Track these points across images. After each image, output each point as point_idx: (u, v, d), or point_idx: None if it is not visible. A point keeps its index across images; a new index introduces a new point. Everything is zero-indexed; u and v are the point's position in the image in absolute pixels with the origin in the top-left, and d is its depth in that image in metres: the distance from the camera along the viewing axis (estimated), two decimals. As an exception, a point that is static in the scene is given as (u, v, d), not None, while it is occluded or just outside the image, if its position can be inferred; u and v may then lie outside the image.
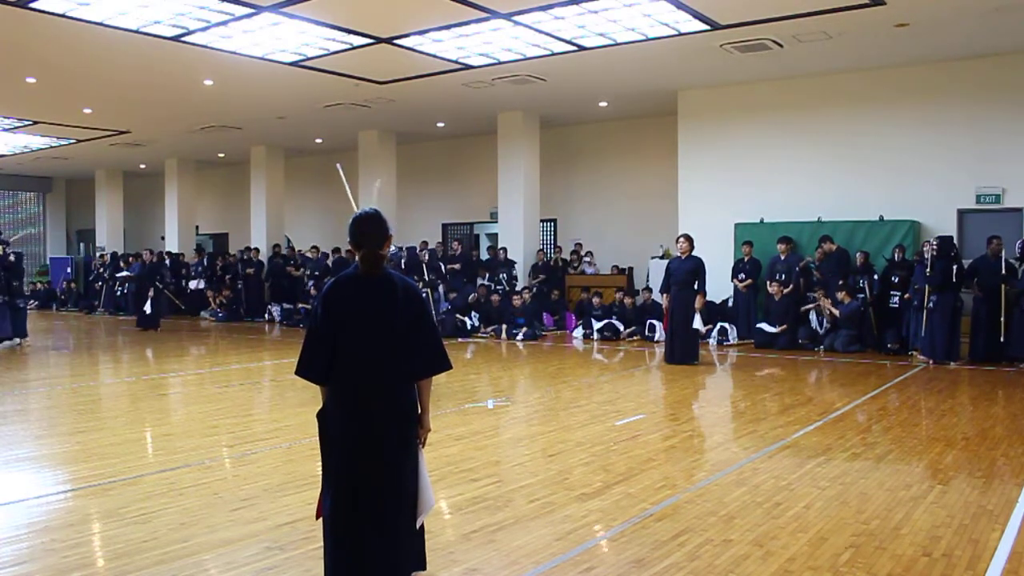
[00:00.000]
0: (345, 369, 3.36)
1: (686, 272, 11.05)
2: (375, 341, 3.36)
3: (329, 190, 22.75)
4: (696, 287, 10.98)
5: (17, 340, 13.91)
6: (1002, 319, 10.78)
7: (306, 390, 9.58)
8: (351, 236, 3.45)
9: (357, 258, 3.45)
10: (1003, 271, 10.96)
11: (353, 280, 3.44)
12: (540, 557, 3.94)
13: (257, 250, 20.53)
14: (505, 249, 16.79)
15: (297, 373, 3.45)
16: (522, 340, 14.30)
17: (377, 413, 3.33)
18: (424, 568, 3.61)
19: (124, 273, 20.98)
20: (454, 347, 13.45)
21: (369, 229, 3.43)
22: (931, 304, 10.98)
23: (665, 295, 11.42)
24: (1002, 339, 10.85)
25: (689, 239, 11.22)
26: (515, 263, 16.64)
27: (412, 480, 3.41)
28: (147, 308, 16.58)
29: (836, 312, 12.40)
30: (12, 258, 14.08)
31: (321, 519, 3.39)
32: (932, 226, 12.66)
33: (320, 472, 3.50)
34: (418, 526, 3.49)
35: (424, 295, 3.57)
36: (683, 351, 11.07)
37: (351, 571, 3.28)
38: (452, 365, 3.55)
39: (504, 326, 14.73)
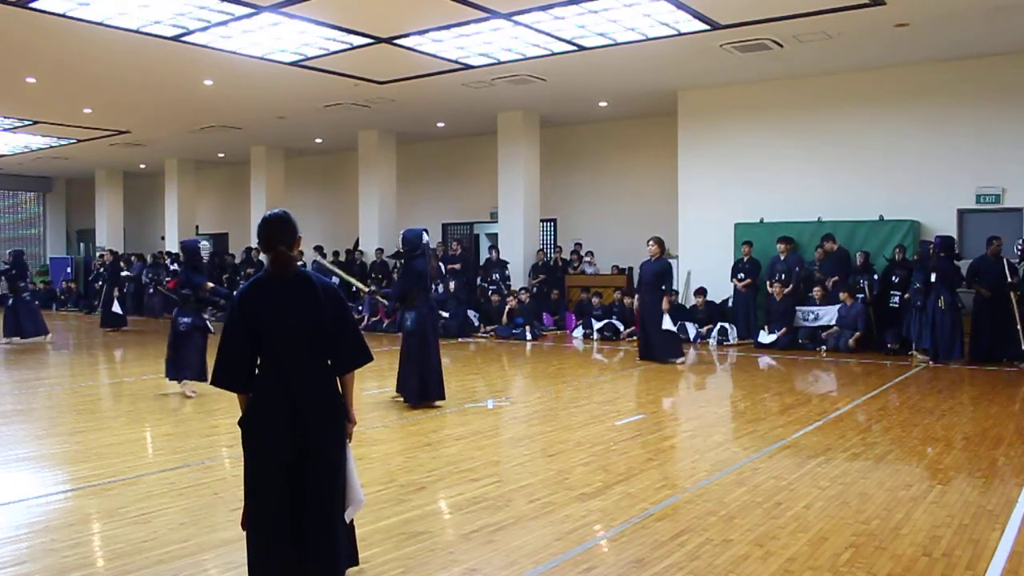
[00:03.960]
0: (270, 371, 3.38)
1: (654, 275, 11.40)
2: (296, 341, 3.36)
3: (329, 190, 22.78)
4: (664, 289, 11.34)
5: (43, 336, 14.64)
6: (1019, 327, 10.65)
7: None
8: (258, 237, 3.44)
9: (268, 259, 3.42)
10: (1006, 272, 10.93)
11: (267, 282, 3.42)
12: (540, 557, 3.94)
13: (257, 250, 20.53)
14: (498, 249, 16.79)
15: (213, 383, 3.43)
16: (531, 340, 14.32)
17: (304, 412, 3.32)
18: (357, 564, 3.65)
19: (123, 273, 20.96)
20: (454, 347, 13.46)
21: (275, 230, 3.40)
22: (943, 305, 10.94)
23: (636, 296, 11.83)
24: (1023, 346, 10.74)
25: (659, 242, 11.50)
26: (507, 263, 16.62)
27: (342, 476, 3.41)
28: (116, 308, 16.78)
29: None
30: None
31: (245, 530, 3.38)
32: (932, 226, 12.66)
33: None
34: (348, 521, 3.50)
35: (342, 292, 3.61)
36: (661, 350, 11.33)
37: (279, 566, 3.27)
38: (373, 357, 3.57)
39: (528, 327, 14.68)
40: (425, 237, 8.22)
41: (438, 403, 8.06)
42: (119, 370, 11.65)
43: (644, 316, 11.48)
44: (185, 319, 8.73)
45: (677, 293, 11.39)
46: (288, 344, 3.37)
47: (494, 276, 16.38)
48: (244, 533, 3.38)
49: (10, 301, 14.62)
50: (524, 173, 16.81)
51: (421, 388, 8.01)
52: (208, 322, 8.95)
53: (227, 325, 3.45)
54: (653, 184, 16.89)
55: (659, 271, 11.34)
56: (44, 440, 6.74)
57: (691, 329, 13.84)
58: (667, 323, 11.29)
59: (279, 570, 3.29)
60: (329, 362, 3.45)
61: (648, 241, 11.54)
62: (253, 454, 3.38)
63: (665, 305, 11.28)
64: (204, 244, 9.21)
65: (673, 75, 13.83)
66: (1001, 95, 12.37)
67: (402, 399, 8.12)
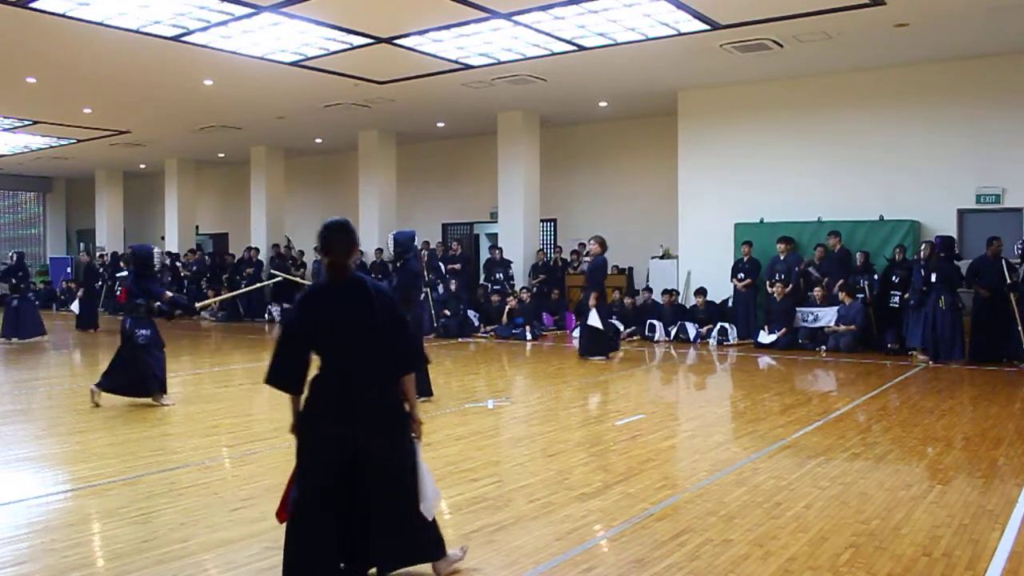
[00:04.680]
0: (329, 375, 3.49)
1: (588, 272, 11.80)
2: (351, 344, 3.48)
3: (329, 190, 22.78)
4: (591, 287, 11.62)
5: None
6: (1019, 327, 10.65)
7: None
8: (318, 242, 3.59)
9: (325, 266, 3.57)
10: (1006, 273, 10.93)
11: (325, 288, 3.57)
12: (540, 557, 3.94)
13: (257, 250, 20.53)
14: (501, 249, 16.79)
15: (267, 382, 3.56)
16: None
17: (360, 413, 3.43)
18: (445, 555, 3.67)
19: (123, 273, 20.96)
20: (454, 347, 13.46)
21: (335, 237, 3.57)
22: (943, 305, 10.94)
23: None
24: None
25: (599, 241, 11.67)
26: (511, 263, 16.63)
27: (411, 473, 3.53)
28: (75, 306, 16.91)
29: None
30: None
31: (286, 522, 3.47)
32: (932, 226, 12.65)
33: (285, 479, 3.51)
34: (428, 515, 3.57)
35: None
36: (585, 347, 11.58)
37: (324, 564, 3.37)
38: (429, 360, 3.74)
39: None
40: (416, 239, 8.28)
41: (424, 400, 8.10)
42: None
43: (577, 313, 11.80)
44: (143, 331, 7.99)
45: (600, 293, 11.69)
46: (344, 347, 3.49)
47: (497, 276, 16.38)
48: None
49: (14, 302, 14.73)
50: (524, 173, 16.81)
51: (420, 387, 8.07)
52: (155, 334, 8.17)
53: (286, 327, 3.63)
54: (653, 184, 16.89)
55: (591, 269, 11.65)
56: (44, 440, 6.74)
57: (691, 329, 13.85)
58: (593, 319, 11.42)
59: (318, 566, 3.37)
60: (386, 366, 3.55)
61: (589, 240, 11.74)
62: (308, 453, 3.48)
63: (592, 302, 11.43)
64: (157, 251, 8.75)
65: (673, 75, 13.83)
66: (1001, 95, 12.37)
67: None
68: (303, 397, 3.53)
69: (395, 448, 3.52)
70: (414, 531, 3.52)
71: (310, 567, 3.38)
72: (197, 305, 8.92)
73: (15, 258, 15.23)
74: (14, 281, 14.70)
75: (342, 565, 3.49)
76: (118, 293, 17.67)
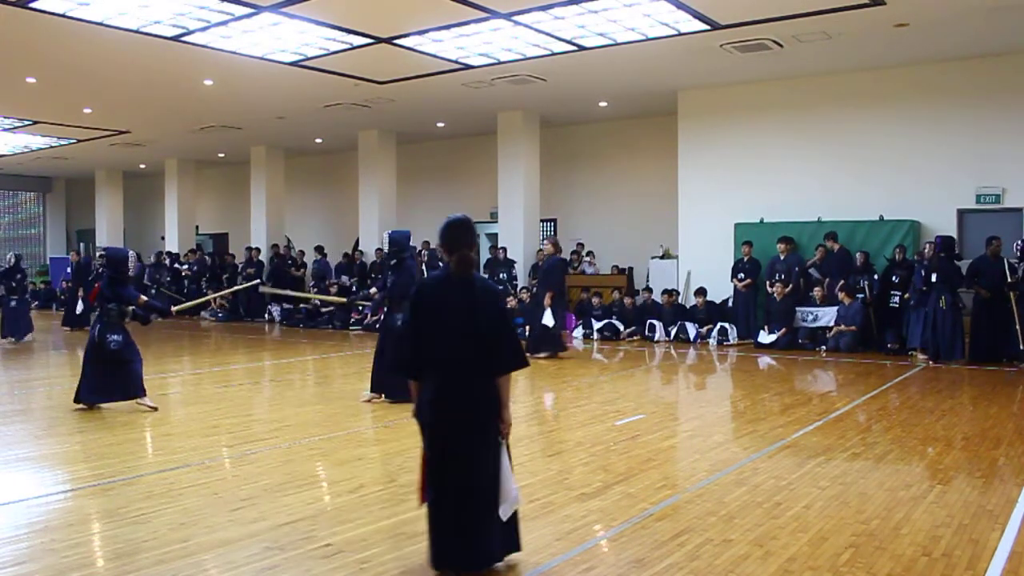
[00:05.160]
0: (433, 365, 3.66)
1: (543, 272, 12.10)
2: (459, 339, 3.63)
3: (329, 190, 22.77)
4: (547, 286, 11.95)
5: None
6: (1017, 327, 10.69)
7: (305, 390, 9.59)
8: (441, 240, 3.76)
9: (451, 260, 3.71)
10: (1006, 272, 10.94)
11: (441, 281, 3.74)
12: (540, 557, 3.94)
13: (258, 250, 20.52)
14: (505, 248, 16.78)
15: (392, 368, 4.03)
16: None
17: (459, 407, 3.61)
18: (518, 549, 3.80)
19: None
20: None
21: (460, 233, 3.75)
22: (944, 305, 10.94)
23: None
24: (1022, 346, 10.72)
25: (552, 242, 12.15)
26: (515, 263, 16.64)
27: (492, 471, 3.63)
28: (79, 308, 16.85)
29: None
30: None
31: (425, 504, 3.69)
32: (932, 226, 12.65)
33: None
34: (504, 516, 3.66)
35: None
36: (534, 345, 11.81)
37: (451, 550, 3.59)
38: (528, 363, 3.77)
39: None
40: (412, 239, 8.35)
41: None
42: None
43: (531, 311, 12.23)
44: (115, 337, 7.73)
45: (555, 292, 11.97)
46: (447, 343, 3.64)
47: (500, 276, 16.39)
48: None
49: (12, 302, 14.87)
50: (524, 173, 16.81)
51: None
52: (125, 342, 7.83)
53: (407, 317, 3.84)
54: (653, 184, 16.88)
55: (547, 268, 11.96)
56: (44, 440, 6.74)
57: (691, 329, 13.85)
58: (547, 318, 11.67)
59: (446, 534, 3.61)
60: (487, 363, 3.66)
61: (543, 241, 11.97)
62: (427, 441, 3.70)
63: (547, 301, 11.68)
64: (132, 255, 8.44)
65: (673, 75, 13.83)
66: (1001, 95, 12.36)
67: (382, 397, 8.10)
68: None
69: (477, 446, 3.62)
70: (487, 534, 3.61)
71: (436, 542, 3.62)
72: (173, 309, 8.68)
73: (13, 260, 15.37)
74: (13, 284, 14.92)
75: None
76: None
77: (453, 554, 3.60)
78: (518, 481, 5.29)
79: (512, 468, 3.77)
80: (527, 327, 14.60)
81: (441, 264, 15.25)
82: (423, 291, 3.77)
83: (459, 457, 3.60)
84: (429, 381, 3.64)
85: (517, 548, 3.78)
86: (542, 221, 17.87)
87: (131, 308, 7.89)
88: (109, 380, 7.71)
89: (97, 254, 24.18)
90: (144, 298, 8.33)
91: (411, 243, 8.37)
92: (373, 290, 8.89)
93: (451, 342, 3.62)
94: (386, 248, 8.44)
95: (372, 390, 8.20)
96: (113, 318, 7.79)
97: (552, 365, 11.33)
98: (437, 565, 3.63)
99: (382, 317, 8.33)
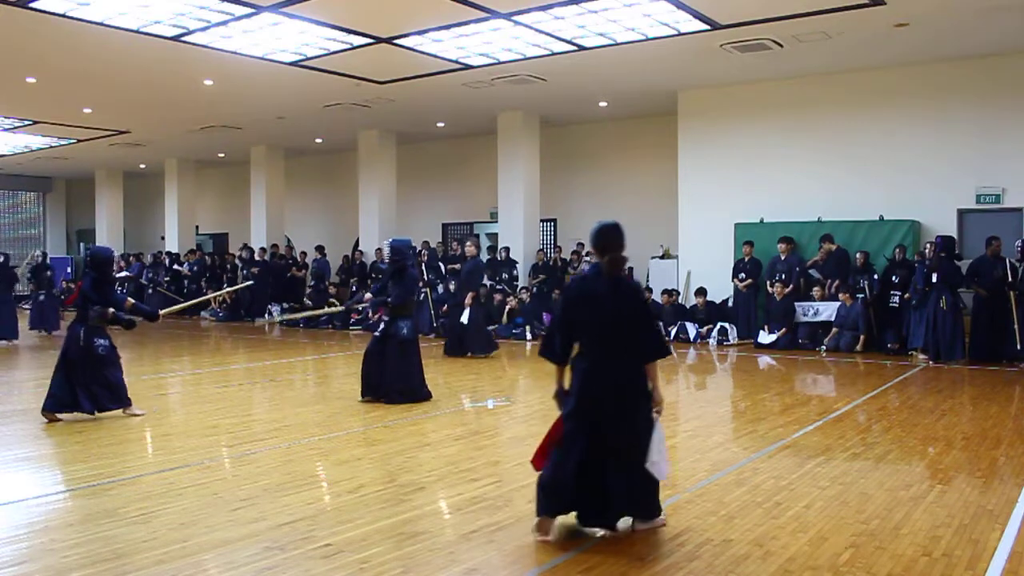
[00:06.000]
0: (584, 355, 4.19)
1: (466, 273, 12.41)
2: (609, 328, 4.15)
3: (329, 190, 22.77)
4: (472, 286, 12.33)
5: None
6: (1015, 327, 10.70)
7: (305, 390, 9.59)
8: (594, 242, 4.24)
9: (604, 260, 4.18)
10: (1007, 272, 10.94)
11: (593, 279, 4.22)
12: (540, 557, 3.94)
13: (264, 249, 20.47)
14: (508, 248, 16.77)
15: (540, 355, 4.41)
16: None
17: (613, 389, 4.11)
18: (659, 515, 4.29)
19: (123, 273, 20.97)
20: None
21: (612, 237, 4.21)
22: (944, 305, 10.95)
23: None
24: (1019, 347, 10.74)
25: (475, 243, 12.56)
26: (516, 263, 16.63)
27: (646, 442, 4.12)
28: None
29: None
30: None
31: (540, 471, 4.27)
32: (932, 226, 12.65)
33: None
34: (661, 478, 4.20)
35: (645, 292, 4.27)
36: (472, 344, 12.14)
37: (563, 500, 4.13)
38: (671, 352, 4.23)
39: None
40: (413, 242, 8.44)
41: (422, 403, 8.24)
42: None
43: (453, 311, 12.53)
44: (102, 341, 7.42)
45: (476, 292, 12.39)
46: (598, 333, 4.16)
47: (502, 275, 16.39)
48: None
49: (41, 297, 15.59)
50: (524, 173, 16.80)
51: (420, 387, 8.31)
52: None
53: (558, 310, 4.36)
54: (653, 184, 16.88)
55: (469, 270, 12.30)
56: (44, 440, 6.74)
57: (691, 329, 13.85)
58: (464, 317, 12.01)
59: (567, 500, 4.13)
60: (636, 351, 4.17)
61: (465, 242, 12.40)
62: (569, 417, 4.18)
63: (467, 300, 12.03)
64: (118, 254, 8.11)
65: (673, 75, 13.83)
66: (1001, 95, 12.36)
67: (384, 401, 8.12)
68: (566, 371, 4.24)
69: (634, 422, 4.12)
70: (642, 490, 4.17)
71: (552, 496, 4.13)
72: (161, 312, 8.51)
73: (41, 257, 15.95)
74: (43, 280, 15.66)
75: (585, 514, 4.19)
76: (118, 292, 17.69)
77: (583, 509, 4.15)
78: (518, 481, 5.30)
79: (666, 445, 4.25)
80: (527, 326, 14.66)
81: (441, 264, 15.23)
82: (577, 287, 4.30)
83: (608, 427, 4.09)
84: (581, 364, 4.17)
85: (659, 513, 4.29)
86: (542, 221, 17.88)
87: (112, 312, 7.45)
88: (95, 387, 7.37)
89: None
90: (131, 300, 8.00)
91: (411, 248, 8.46)
92: (368, 295, 8.89)
93: (602, 331, 4.14)
94: (387, 256, 8.51)
95: (367, 394, 8.23)
96: (96, 321, 7.42)
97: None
98: (542, 512, 4.15)
99: (383, 325, 8.32)
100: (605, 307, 4.13)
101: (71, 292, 18.83)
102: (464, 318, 12.05)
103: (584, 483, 4.09)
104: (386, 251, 8.44)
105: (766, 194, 14.04)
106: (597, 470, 4.10)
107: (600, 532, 4.20)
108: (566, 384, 4.32)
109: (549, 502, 4.15)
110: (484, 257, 17.91)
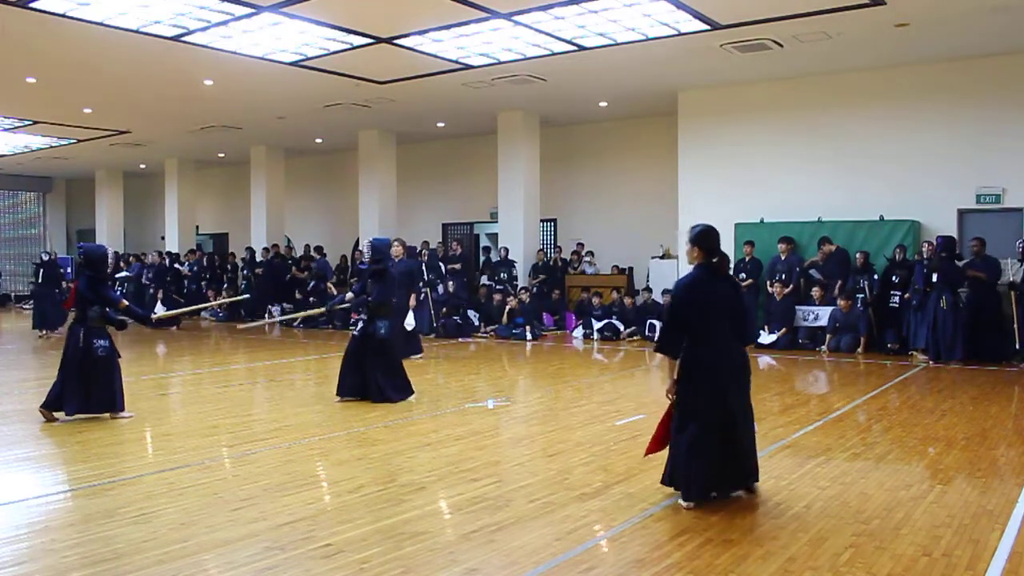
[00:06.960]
0: (705, 343, 4.75)
1: (401, 275, 11.77)
2: (726, 320, 4.81)
3: (329, 190, 22.77)
4: (413, 286, 12.09)
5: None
6: (1015, 326, 10.72)
7: (305, 390, 9.59)
8: (699, 242, 4.86)
9: (714, 260, 4.85)
10: (1001, 270, 10.98)
11: (704, 278, 4.84)
12: (540, 557, 3.94)
13: (266, 249, 20.45)
14: (507, 248, 16.77)
15: (658, 350, 4.94)
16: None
17: (735, 369, 4.83)
18: (758, 479, 4.97)
19: (123, 273, 20.96)
20: (454, 347, 13.45)
21: (715, 238, 4.90)
22: (944, 305, 10.96)
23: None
24: (1017, 345, 10.78)
25: (401, 243, 11.95)
26: (515, 263, 16.63)
27: (752, 415, 4.99)
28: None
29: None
30: None
31: (668, 446, 4.93)
32: (932, 226, 12.65)
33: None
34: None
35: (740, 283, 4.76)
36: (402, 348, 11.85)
37: (713, 477, 4.73)
38: (760, 334, 4.98)
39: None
40: (412, 241, 8.42)
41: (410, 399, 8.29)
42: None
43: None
44: (102, 342, 7.34)
45: (418, 294, 12.19)
46: (719, 322, 4.78)
47: (501, 275, 16.38)
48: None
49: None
50: (524, 173, 16.80)
51: (404, 384, 8.36)
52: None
53: (674, 308, 4.87)
54: (653, 184, 16.88)
55: (405, 271, 11.85)
56: (44, 440, 6.74)
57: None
58: (409, 320, 11.55)
59: (710, 475, 4.72)
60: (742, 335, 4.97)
61: (392, 242, 11.89)
62: (697, 400, 4.74)
63: (412, 302, 11.69)
64: (112, 252, 7.97)
65: (673, 75, 13.83)
66: (1001, 95, 12.35)
67: (370, 401, 8.14)
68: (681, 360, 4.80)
69: (745, 395, 4.88)
70: (755, 458, 4.95)
71: (703, 478, 4.69)
72: (153, 317, 8.40)
73: (54, 255, 16.17)
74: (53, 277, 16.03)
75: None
76: (118, 292, 17.63)
77: (724, 479, 4.78)
78: (518, 481, 5.31)
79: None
80: (527, 327, 14.65)
81: (441, 264, 15.22)
82: (695, 288, 4.80)
83: (734, 401, 4.75)
84: (703, 354, 4.73)
85: (757, 478, 4.97)
86: (542, 221, 17.88)
87: (107, 311, 7.44)
88: (92, 390, 7.31)
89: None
90: (125, 302, 7.87)
91: (409, 244, 8.43)
92: (349, 295, 8.92)
93: (721, 322, 4.77)
94: (367, 256, 8.52)
95: (345, 394, 8.25)
96: (96, 322, 7.37)
97: (552, 365, 11.33)
98: (698, 496, 4.67)
99: (361, 325, 8.38)
100: (728, 300, 4.82)
101: (69, 292, 18.78)
102: (409, 322, 11.50)
103: (725, 455, 4.71)
104: (367, 251, 8.47)
105: (766, 194, 14.04)
106: (729, 438, 4.73)
107: (737, 492, 4.91)
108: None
109: (701, 488, 4.70)
110: (483, 257, 17.93)
